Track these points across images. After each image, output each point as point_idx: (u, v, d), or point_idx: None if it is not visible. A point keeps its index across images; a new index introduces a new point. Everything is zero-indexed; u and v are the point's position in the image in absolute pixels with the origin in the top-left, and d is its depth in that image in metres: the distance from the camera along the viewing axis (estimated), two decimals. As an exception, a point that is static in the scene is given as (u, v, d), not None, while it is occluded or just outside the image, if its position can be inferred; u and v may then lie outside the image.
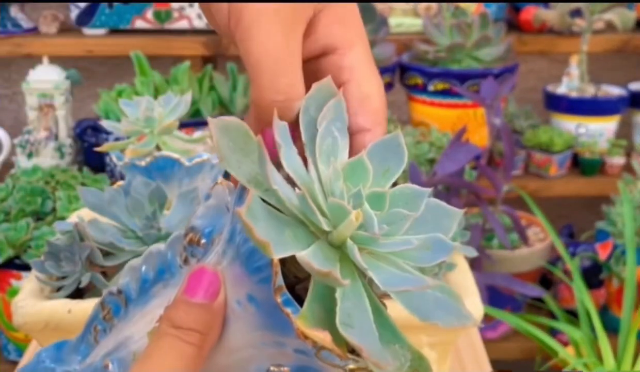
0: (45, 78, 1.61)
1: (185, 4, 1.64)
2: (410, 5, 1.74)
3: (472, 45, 1.57)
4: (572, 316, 1.40)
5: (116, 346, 0.40)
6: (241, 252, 0.34)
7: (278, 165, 0.32)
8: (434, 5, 1.70)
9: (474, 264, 1.29)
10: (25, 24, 1.72)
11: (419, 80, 1.60)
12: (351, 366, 0.32)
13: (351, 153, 0.35)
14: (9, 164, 1.68)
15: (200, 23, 1.65)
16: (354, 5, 0.37)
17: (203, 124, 1.49)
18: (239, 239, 0.34)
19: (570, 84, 1.69)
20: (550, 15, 1.66)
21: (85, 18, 1.65)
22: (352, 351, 0.32)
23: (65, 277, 0.63)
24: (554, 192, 1.66)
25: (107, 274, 0.63)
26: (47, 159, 1.61)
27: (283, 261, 0.32)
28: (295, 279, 0.34)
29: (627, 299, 1.29)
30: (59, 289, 0.63)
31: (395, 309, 0.34)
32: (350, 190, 0.33)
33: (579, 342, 1.29)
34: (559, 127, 1.68)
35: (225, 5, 0.35)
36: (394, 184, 0.35)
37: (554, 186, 1.65)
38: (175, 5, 1.64)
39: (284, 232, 0.31)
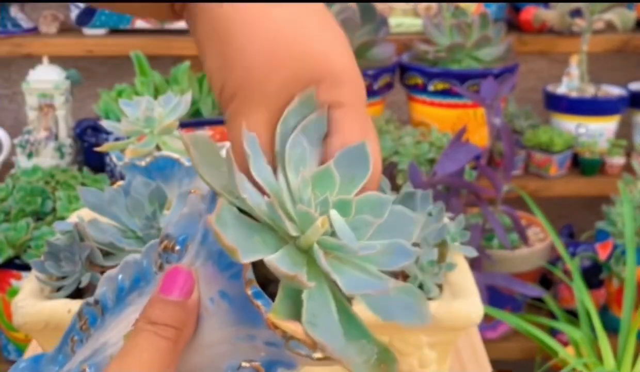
0: (45, 78, 1.61)
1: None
2: (410, 5, 1.74)
3: (472, 45, 1.57)
4: (572, 316, 1.40)
5: (92, 352, 0.41)
6: (213, 250, 0.36)
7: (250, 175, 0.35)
8: (434, 5, 1.70)
9: (474, 264, 1.28)
10: (25, 24, 1.72)
11: (419, 80, 1.60)
12: (318, 355, 0.34)
13: None
14: (9, 164, 1.68)
15: (200, 23, 1.65)
16: (352, 69, 0.37)
17: (203, 124, 1.49)
18: (211, 238, 0.36)
19: (570, 84, 1.69)
20: (550, 15, 1.66)
21: (85, 18, 1.65)
22: None
23: (65, 277, 0.63)
24: (554, 192, 1.66)
25: (107, 274, 0.63)
26: (47, 159, 1.61)
27: (254, 263, 0.34)
28: (266, 280, 0.35)
29: (627, 299, 1.29)
30: (59, 289, 0.63)
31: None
32: (317, 197, 0.35)
33: (579, 342, 1.29)
34: (559, 127, 1.68)
35: (219, 80, 0.37)
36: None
37: (554, 186, 1.65)
38: (175, 5, 1.63)
39: (253, 238, 0.33)
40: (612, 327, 1.39)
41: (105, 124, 0.73)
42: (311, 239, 0.34)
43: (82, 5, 1.64)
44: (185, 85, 1.53)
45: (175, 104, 0.73)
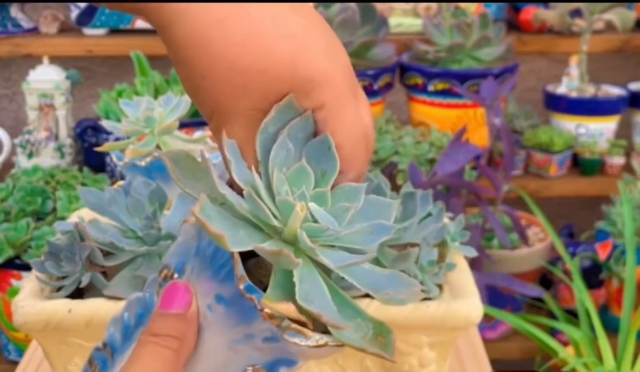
0: (46, 78, 1.61)
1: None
2: (410, 5, 1.74)
3: (472, 45, 1.57)
4: (572, 316, 1.40)
5: None
6: (206, 254, 0.37)
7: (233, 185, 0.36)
8: (434, 5, 1.70)
9: (474, 264, 1.29)
10: (26, 24, 1.72)
11: (419, 80, 1.60)
12: (313, 343, 0.35)
13: None
14: (9, 164, 1.68)
15: (200, 23, 1.65)
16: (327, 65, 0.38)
17: (203, 124, 1.49)
18: (204, 244, 0.38)
19: (570, 84, 1.69)
20: (550, 15, 1.66)
21: (85, 18, 1.65)
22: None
23: (65, 277, 0.63)
24: (554, 192, 1.66)
25: (107, 274, 0.63)
26: (47, 159, 1.61)
27: (247, 269, 0.36)
28: (260, 284, 0.37)
29: (627, 299, 1.29)
30: (59, 289, 0.63)
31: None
32: (294, 193, 0.37)
33: (578, 342, 1.29)
34: (558, 127, 1.68)
35: (194, 100, 0.38)
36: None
37: (554, 186, 1.65)
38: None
39: (239, 232, 0.35)
40: (612, 327, 1.39)
41: (105, 124, 0.73)
42: (294, 227, 0.35)
43: (82, 5, 1.64)
44: (185, 85, 1.53)
45: (175, 104, 0.73)
